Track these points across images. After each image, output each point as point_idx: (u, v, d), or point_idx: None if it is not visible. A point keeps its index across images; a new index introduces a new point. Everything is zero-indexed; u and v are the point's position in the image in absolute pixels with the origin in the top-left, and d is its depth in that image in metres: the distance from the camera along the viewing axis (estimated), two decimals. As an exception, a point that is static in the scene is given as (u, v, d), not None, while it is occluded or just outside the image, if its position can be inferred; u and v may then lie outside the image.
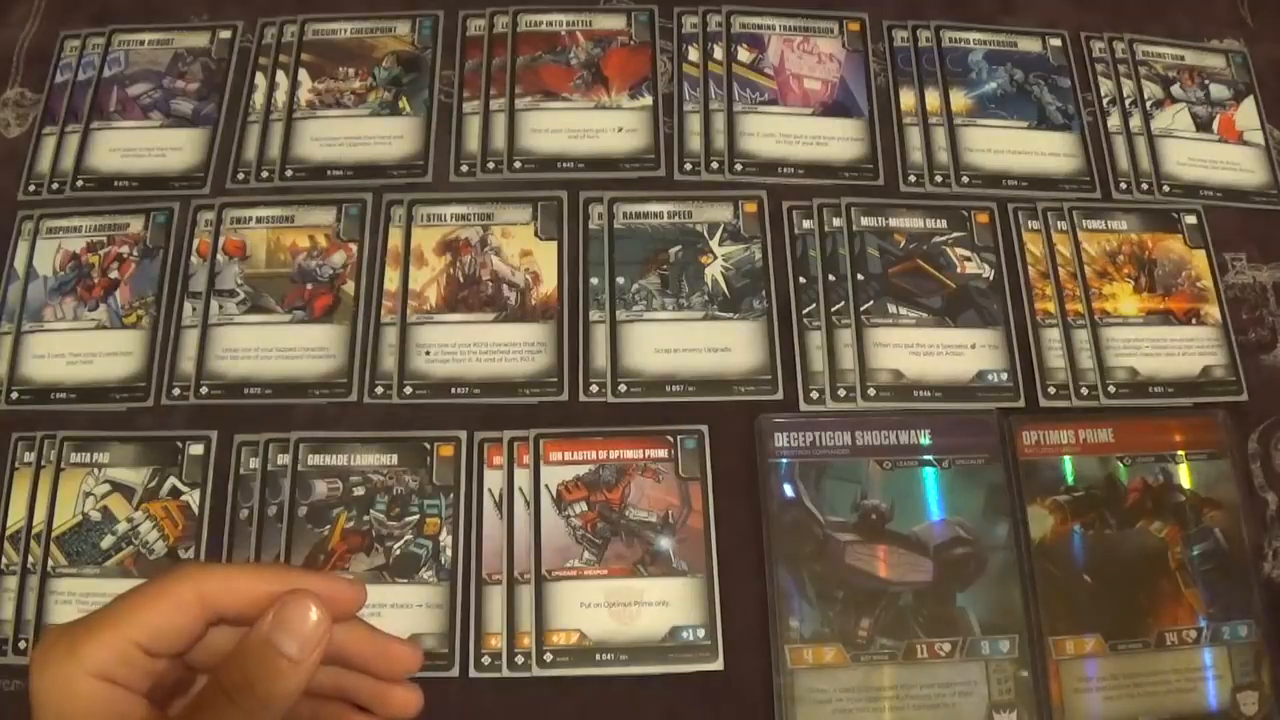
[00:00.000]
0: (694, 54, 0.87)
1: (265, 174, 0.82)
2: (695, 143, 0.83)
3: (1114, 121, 0.87)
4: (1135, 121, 0.87)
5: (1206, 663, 0.68)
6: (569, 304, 0.77)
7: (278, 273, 0.78)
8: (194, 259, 0.79)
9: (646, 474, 0.71)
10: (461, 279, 0.78)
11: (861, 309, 0.77)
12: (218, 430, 0.73)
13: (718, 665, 0.67)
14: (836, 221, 0.80)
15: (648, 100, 0.85)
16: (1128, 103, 0.88)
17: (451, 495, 0.71)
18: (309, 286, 0.78)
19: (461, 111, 0.84)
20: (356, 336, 0.76)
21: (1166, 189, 0.84)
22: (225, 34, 0.88)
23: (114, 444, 0.73)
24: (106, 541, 0.71)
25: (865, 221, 0.80)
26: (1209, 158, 0.86)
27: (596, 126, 0.83)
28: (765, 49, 0.88)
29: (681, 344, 0.75)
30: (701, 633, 0.67)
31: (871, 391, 0.74)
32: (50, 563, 0.70)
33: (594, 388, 0.74)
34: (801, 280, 0.78)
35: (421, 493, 0.71)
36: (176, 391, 0.74)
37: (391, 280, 0.78)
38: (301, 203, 0.81)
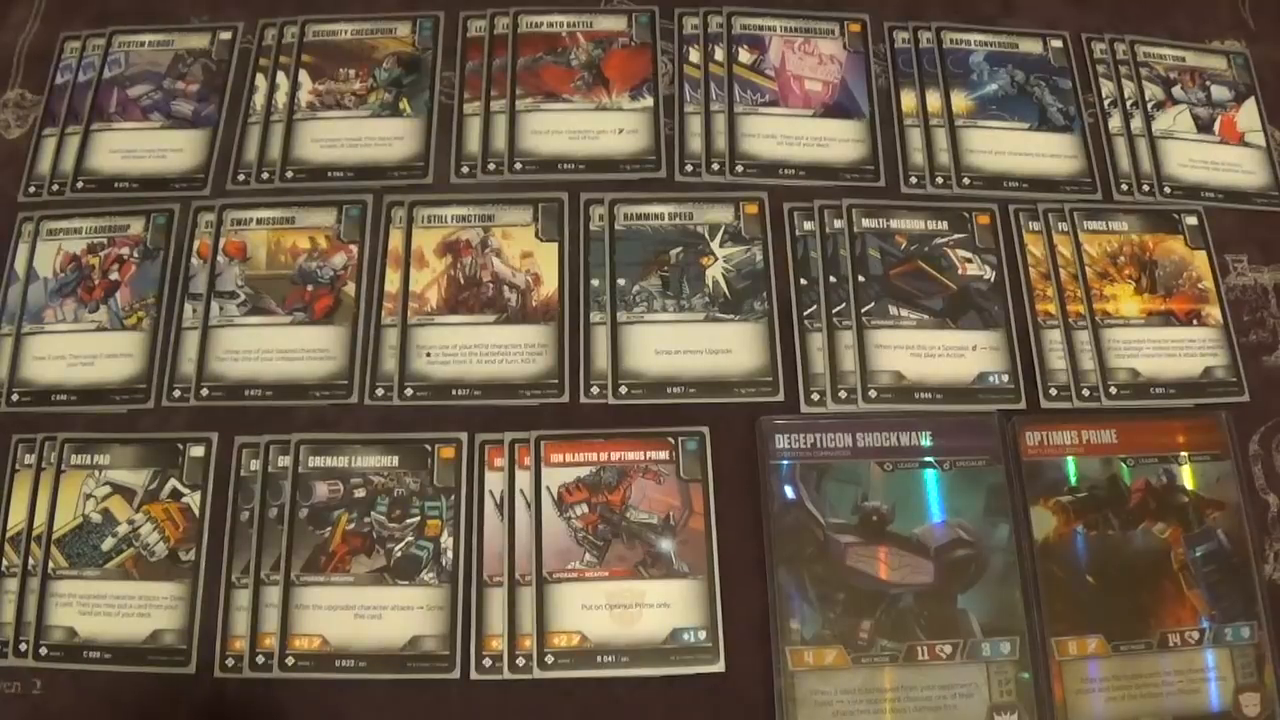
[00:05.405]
0: (695, 55, 0.87)
1: (266, 175, 0.82)
2: (696, 144, 0.83)
3: (1115, 123, 0.87)
4: (1136, 123, 0.87)
5: (1209, 664, 0.68)
6: (570, 305, 0.77)
7: (278, 274, 0.78)
8: (194, 260, 0.79)
9: (648, 475, 0.71)
10: (462, 280, 0.78)
11: (863, 310, 0.77)
12: (218, 432, 0.73)
13: (719, 667, 0.67)
14: (838, 223, 0.80)
15: (648, 101, 0.84)
16: (1129, 104, 0.88)
17: (452, 497, 0.71)
18: (310, 288, 0.78)
19: (462, 113, 0.84)
20: (357, 338, 0.76)
21: (1168, 190, 0.84)
22: (225, 35, 0.88)
23: (114, 446, 0.73)
24: (107, 543, 0.70)
25: (866, 223, 0.80)
26: (1210, 159, 0.86)
27: (597, 128, 0.83)
28: (766, 50, 0.88)
29: (682, 346, 0.75)
30: (702, 634, 0.67)
31: (872, 393, 0.74)
32: (50, 565, 0.70)
33: (595, 389, 0.74)
34: (802, 282, 0.78)
35: (422, 494, 0.71)
36: (177, 393, 0.74)
37: (392, 282, 0.78)
38: (302, 204, 0.81)
